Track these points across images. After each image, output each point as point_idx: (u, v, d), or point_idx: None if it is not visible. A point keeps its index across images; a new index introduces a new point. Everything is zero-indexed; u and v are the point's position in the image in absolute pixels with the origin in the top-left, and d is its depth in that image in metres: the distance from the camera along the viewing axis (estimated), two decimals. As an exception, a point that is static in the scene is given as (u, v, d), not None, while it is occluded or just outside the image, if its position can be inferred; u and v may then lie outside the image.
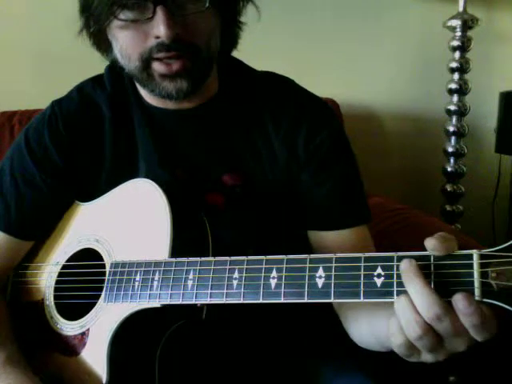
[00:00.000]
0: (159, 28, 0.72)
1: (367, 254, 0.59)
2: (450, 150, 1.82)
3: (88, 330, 0.78)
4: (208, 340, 0.84)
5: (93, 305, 0.79)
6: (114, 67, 0.87)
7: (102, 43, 0.83)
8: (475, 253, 0.53)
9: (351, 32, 1.86)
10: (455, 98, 1.79)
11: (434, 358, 0.57)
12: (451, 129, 1.81)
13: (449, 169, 1.83)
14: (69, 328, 0.81)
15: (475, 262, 0.53)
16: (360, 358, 0.85)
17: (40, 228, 0.90)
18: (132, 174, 0.85)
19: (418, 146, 1.97)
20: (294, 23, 1.81)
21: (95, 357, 0.75)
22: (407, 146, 1.97)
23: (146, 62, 0.76)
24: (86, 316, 0.79)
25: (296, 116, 0.86)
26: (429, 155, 1.96)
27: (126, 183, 0.83)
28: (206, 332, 0.82)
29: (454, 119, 1.81)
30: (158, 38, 0.73)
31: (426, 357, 0.57)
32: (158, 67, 0.76)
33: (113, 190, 0.85)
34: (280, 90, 0.89)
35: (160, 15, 0.72)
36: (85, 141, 0.87)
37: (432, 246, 0.55)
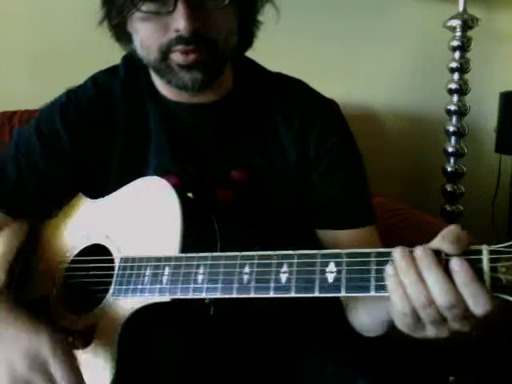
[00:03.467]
0: (179, 21, 0.74)
1: (378, 250, 0.60)
2: (450, 150, 1.82)
3: (96, 324, 0.78)
4: (212, 338, 0.85)
5: (101, 299, 0.79)
6: (130, 58, 0.89)
7: (122, 35, 0.85)
8: (485, 248, 0.54)
9: (351, 32, 1.86)
10: (455, 98, 1.79)
11: (438, 333, 0.58)
12: (451, 129, 1.81)
13: (449, 169, 1.83)
14: (77, 322, 0.81)
15: (485, 257, 0.54)
16: (360, 359, 0.85)
17: (30, 208, 0.91)
18: (142, 165, 0.86)
19: (418, 145, 1.97)
20: (294, 23, 1.80)
21: (103, 351, 0.75)
22: (407, 146, 1.97)
23: (165, 54, 0.78)
24: (94, 310, 0.79)
25: (308, 117, 0.87)
26: (429, 155, 1.96)
27: (136, 181, 0.84)
28: (211, 330, 0.82)
29: (454, 119, 1.80)
30: (177, 31, 0.76)
31: (430, 331, 0.58)
32: (175, 57, 0.78)
33: (123, 188, 0.85)
34: (293, 90, 0.91)
35: (180, 9, 0.74)
36: (97, 128, 0.88)
37: (449, 250, 0.56)
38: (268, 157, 0.87)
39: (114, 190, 0.87)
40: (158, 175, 0.86)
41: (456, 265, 0.54)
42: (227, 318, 0.76)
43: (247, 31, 0.88)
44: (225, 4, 0.77)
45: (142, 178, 0.83)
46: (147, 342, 0.76)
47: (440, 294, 0.54)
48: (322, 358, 0.88)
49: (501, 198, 1.96)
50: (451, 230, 0.57)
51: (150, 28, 0.78)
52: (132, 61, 0.88)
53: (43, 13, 1.66)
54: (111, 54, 0.96)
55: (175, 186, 0.84)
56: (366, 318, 0.79)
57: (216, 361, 0.86)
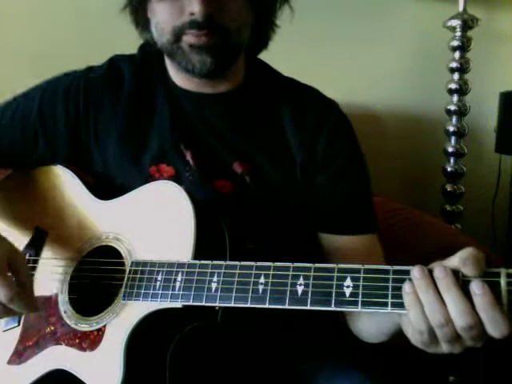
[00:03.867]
0: (194, 4, 0.76)
1: (396, 267, 0.60)
2: (450, 150, 1.82)
3: (104, 326, 0.78)
4: (212, 339, 0.85)
5: (110, 302, 0.79)
6: (146, 46, 0.91)
7: (141, 19, 0.88)
8: (503, 271, 0.54)
9: (351, 32, 1.85)
10: (455, 98, 1.79)
11: (452, 350, 0.59)
12: (451, 129, 1.81)
13: (449, 169, 1.83)
14: (84, 324, 0.81)
15: (503, 279, 0.54)
16: (359, 358, 0.85)
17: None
18: (141, 148, 0.88)
19: (417, 145, 1.97)
20: (294, 24, 1.80)
21: (111, 353, 0.75)
22: (407, 146, 1.97)
23: (177, 36, 0.80)
24: (103, 313, 0.79)
25: (318, 121, 0.88)
26: (429, 155, 1.96)
27: (148, 184, 0.84)
28: (216, 334, 0.82)
29: (454, 119, 1.80)
30: (192, 14, 0.77)
31: (445, 348, 0.59)
32: (187, 38, 0.80)
33: (135, 190, 0.85)
34: (304, 94, 0.92)
35: None
36: (101, 106, 0.91)
37: (473, 274, 0.56)
38: (271, 154, 0.88)
39: (110, 170, 0.91)
40: (155, 160, 0.88)
41: (477, 288, 0.54)
42: (230, 321, 0.76)
43: (263, 32, 0.90)
44: None
45: (154, 182, 0.84)
46: (155, 346, 0.76)
47: (459, 316, 0.55)
48: (322, 359, 0.88)
49: (501, 198, 1.96)
50: (471, 252, 0.57)
51: (166, 9, 0.80)
52: (148, 48, 0.91)
53: (43, 13, 1.65)
54: (112, 54, 0.96)
55: (170, 176, 0.85)
56: (370, 327, 0.79)
57: (218, 361, 0.87)
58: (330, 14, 1.83)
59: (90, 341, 0.79)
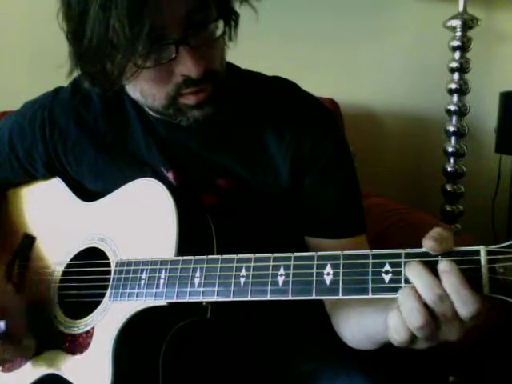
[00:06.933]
0: (186, 67, 0.70)
1: (375, 251, 0.60)
2: (450, 150, 1.82)
3: (93, 328, 0.78)
4: (210, 340, 0.85)
5: (97, 304, 0.79)
6: None
7: (103, 82, 0.76)
8: (482, 249, 0.55)
9: (351, 32, 1.86)
10: (455, 98, 1.79)
11: (427, 345, 0.58)
12: (451, 129, 1.80)
13: (449, 169, 1.83)
14: (73, 327, 0.81)
15: (483, 258, 0.54)
16: (360, 359, 0.85)
17: None
18: (117, 180, 0.85)
19: (417, 145, 1.97)
20: (294, 23, 1.81)
21: (100, 355, 0.75)
22: (407, 145, 1.97)
23: (173, 98, 0.75)
24: (91, 315, 0.79)
25: (299, 127, 0.84)
26: (429, 155, 1.96)
27: (130, 183, 0.83)
28: (209, 332, 0.82)
29: (454, 119, 1.80)
30: (185, 75, 0.72)
31: (421, 344, 0.58)
32: (186, 100, 0.75)
33: (118, 190, 0.85)
34: (283, 98, 0.87)
35: (185, 54, 0.70)
36: (67, 136, 0.88)
37: (430, 247, 0.56)
38: (253, 165, 0.85)
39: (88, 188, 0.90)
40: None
41: (444, 266, 0.55)
42: (224, 319, 0.76)
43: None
44: (221, 33, 0.74)
45: (136, 180, 0.83)
46: (146, 346, 0.76)
47: (424, 289, 0.55)
48: (320, 358, 0.88)
49: (501, 198, 1.96)
50: (435, 230, 0.57)
51: (152, 79, 0.73)
52: None
53: (43, 13, 1.65)
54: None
55: None
56: (359, 335, 0.78)
57: (213, 361, 0.87)
58: (329, 13, 1.83)
59: (79, 344, 0.79)
